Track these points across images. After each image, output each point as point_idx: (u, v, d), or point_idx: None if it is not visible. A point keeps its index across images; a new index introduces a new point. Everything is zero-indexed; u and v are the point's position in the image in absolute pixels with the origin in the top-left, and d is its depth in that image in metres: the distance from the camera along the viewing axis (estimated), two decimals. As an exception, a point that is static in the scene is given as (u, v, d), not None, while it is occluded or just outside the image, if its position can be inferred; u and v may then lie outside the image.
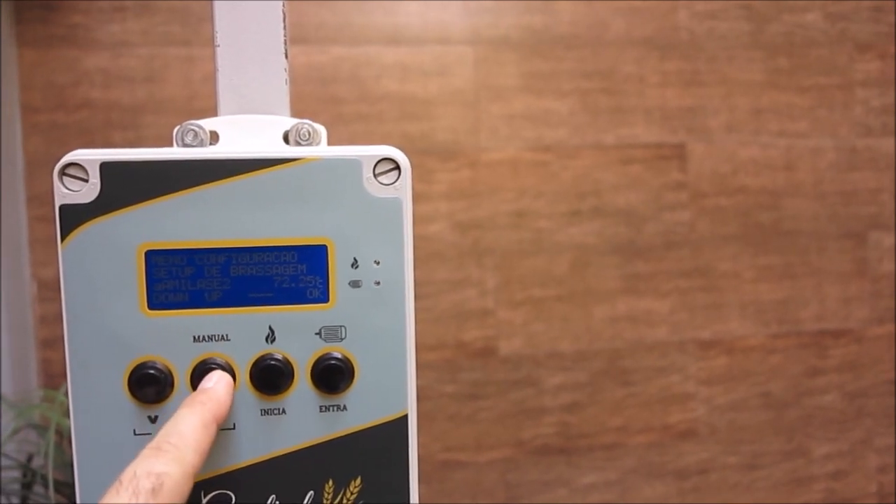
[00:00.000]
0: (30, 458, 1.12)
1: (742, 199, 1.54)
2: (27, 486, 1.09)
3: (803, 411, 1.58)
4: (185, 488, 0.27)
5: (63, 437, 1.05)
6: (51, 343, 1.33)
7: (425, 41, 1.43)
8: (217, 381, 0.32)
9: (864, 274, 1.59)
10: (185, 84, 1.35)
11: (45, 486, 1.02)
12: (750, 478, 1.56)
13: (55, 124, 1.33)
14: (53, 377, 1.32)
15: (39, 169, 1.32)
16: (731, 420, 1.55)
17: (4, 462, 1.09)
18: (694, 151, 1.52)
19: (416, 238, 1.40)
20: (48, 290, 1.33)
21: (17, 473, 1.11)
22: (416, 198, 1.42)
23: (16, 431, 1.07)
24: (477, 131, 1.45)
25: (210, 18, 0.38)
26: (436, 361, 1.44)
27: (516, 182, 1.46)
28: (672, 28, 1.52)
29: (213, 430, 0.30)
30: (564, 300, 1.48)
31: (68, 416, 0.90)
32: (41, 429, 1.11)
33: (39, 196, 1.32)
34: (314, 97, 1.40)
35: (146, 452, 0.28)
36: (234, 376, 0.33)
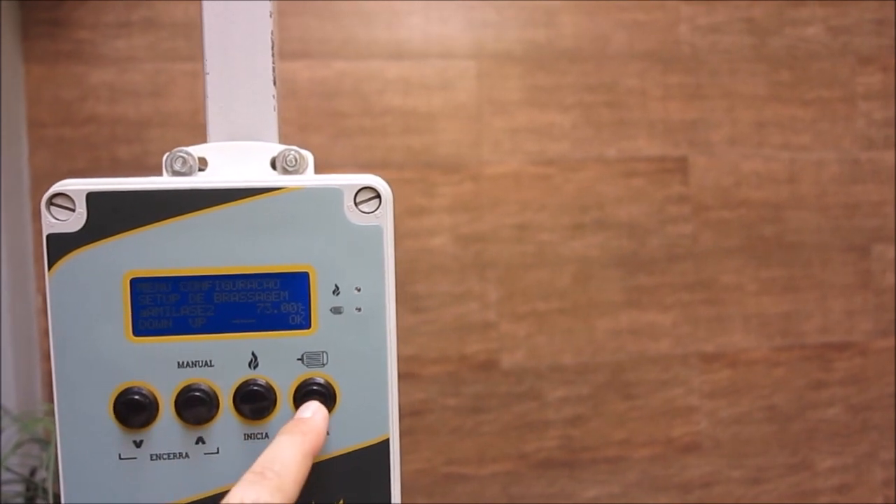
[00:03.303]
0: (33, 472, 1.13)
1: (745, 212, 1.54)
2: (30, 500, 1.09)
3: (807, 424, 1.57)
4: None
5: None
6: (56, 356, 1.34)
7: (428, 55, 1.44)
8: (315, 412, 0.33)
9: (867, 286, 1.59)
10: (189, 98, 1.37)
11: (48, 499, 1.03)
12: (754, 491, 1.55)
13: (62, 139, 1.34)
14: (58, 390, 1.33)
15: (45, 183, 1.34)
16: (735, 433, 1.54)
17: (8, 476, 1.10)
18: (696, 164, 1.52)
19: (419, 251, 1.41)
20: (53, 303, 1.33)
21: (20, 487, 1.11)
22: (419, 211, 1.42)
23: (19, 445, 1.08)
24: (480, 145, 1.45)
25: (200, 47, 0.39)
26: (438, 374, 1.44)
27: (519, 195, 1.46)
28: (674, 42, 1.52)
29: (310, 463, 0.31)
30: (567, 313, 1.48)
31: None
32: (44, 442, 1.11)
33: (45, 210, 1.34)
34: (317, 111, 1.41)
35: (250, 477, 0.28)
36: (217, 402, 0.33)
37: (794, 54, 1.56)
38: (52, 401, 1.20)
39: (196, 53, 1.37)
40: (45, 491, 1.06)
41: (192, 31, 1.37)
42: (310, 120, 1.40)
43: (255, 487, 0.28)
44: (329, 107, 1.41)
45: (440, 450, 1.45)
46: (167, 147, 1.35)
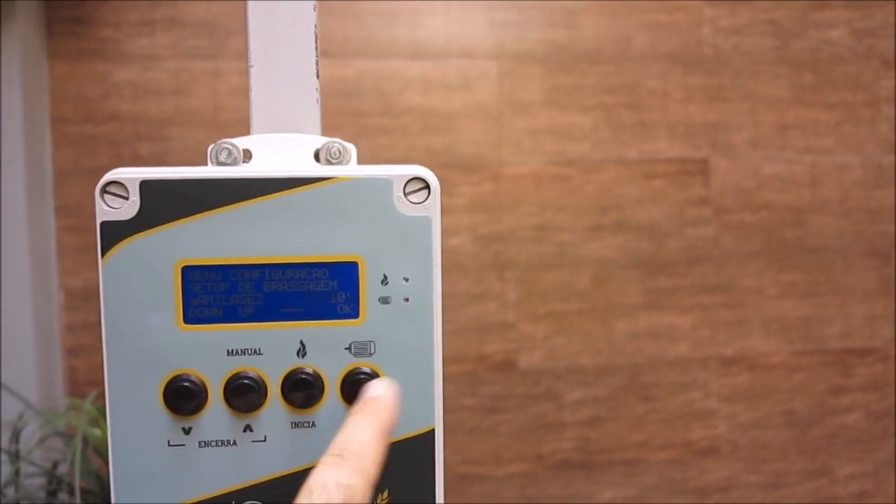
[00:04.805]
0: (55, 465, 1.14)
1: (766, 215, 1.53)
2: (52, 493, 1.10)
3: (827, 430, 1.56)
4: (367, 502, 0.28)
5: (88, 445, 1.07)
6: (76, 352, 1.35)
7: (449, 55, 1.44)
8: (385, 389, 0.33)
9: (889, 292, 1.57)
10: (211, 97, 1.37)
11: (70, 493, 1.04)
12: (772, 497, 1.54)
13: (84, 136, 1.35)
14: (79, 385, 1.34)
15: (68, 180, 1.34)
16: (754, 438, 1.53)
17: (30, 469, 1.11)
18: (717, 167, 1.52)
19: (438, 251, 1.41)
20: (75, 299, 1.34)
21: (42, 481, 1.12)
22: (439, 211, 1.42)
23: (42, 440, 1.09)
24: (500, 145, 1.45)
25: (244, 40, 0.39)
26: (456, 374, 1.44)
27: (538, 196, 1.46)
28: (696, 43, 1.51)
29: (385, 442, 0.31)
30: (586, 314, 1.48)
31: (96, 425, 0.91)
32: (66, 437, 1.12)
33: (68, 206, 1.34)
34: (338, 110, 1.41)
35: (330, 460, 0.28)
36: (266, 390, 0.33)
37: (818, 57, 1.55)
38: (73, 395, 1.20)
39: (218, 52, 1.37)
40: (68, 485, 1.06)
41: (214, 31, 1.38)
42: (330, 119, 1.40)
43: (336, 469, 0.27)
44: (349, 106, 1.42)
45: (457, 450, 1.44)
46: (188, 145, 1.36)
